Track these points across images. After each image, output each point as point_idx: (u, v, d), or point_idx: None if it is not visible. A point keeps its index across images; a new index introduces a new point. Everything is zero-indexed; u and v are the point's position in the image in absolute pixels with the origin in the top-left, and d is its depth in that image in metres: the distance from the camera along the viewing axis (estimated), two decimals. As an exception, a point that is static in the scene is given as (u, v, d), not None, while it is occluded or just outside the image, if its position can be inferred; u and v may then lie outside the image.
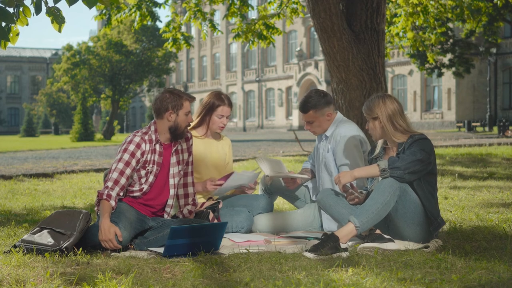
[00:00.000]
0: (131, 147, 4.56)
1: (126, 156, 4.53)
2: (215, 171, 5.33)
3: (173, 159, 4.71)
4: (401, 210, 4.36)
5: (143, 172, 4.61)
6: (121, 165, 4.51)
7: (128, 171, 4.52)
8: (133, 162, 4.54)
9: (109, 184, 4.46)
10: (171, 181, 4.71)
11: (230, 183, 5.12)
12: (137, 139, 4.59)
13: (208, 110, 5.25)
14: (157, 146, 4.64)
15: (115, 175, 4.49)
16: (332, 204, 4.61)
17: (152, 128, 4.65)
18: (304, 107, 5.13)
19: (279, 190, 5.50)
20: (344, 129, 5.10)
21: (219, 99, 5.25)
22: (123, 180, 4.50)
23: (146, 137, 4.61)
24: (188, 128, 4.92)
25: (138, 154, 4.56)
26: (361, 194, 4.53)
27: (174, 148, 4.71)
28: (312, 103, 5.10)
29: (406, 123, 4.52)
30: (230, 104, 5.29)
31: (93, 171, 12.81)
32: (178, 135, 4.66)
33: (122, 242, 4.29)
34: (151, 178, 4.63)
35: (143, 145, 4.59)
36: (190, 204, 4.88)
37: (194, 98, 4.74)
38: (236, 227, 5.02)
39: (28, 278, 3.50)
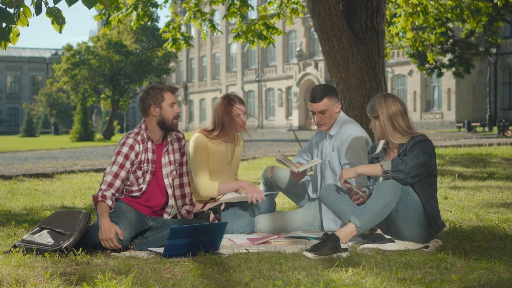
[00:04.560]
0: (125, 149, 4.56)
1: (120, 159, 4.53)
2: (234, 172, 5.37)
3: (165, 159, 4.72)
4: (402, 211, 4.36)
5: (139, 173, 4.61)
6: (115, 168, 4.51)
7: (122, 173, 4.52)
8: (128, 164, 4.54)
9: (103, 186, 4.47)
10: (166, 181, 4.72)
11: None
12: (130, 141, 4.59)
13: (226, 116, 5.15)
14: (149, 143, 4.64)
15: (109, 178, 4.49)
16: (335, 201, 4.58)
17: (143, 126, 4.67)
18: (320, 94, 5.11)
19: (279, 183, 5.47)
20: (350, 129, 5.10)
21: (231, 100, 5.15)
22: (117, 183, 4.50)
23: (139, 138, 4.62)
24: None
25: (132, 155, 4.57)
26: (365, 194, 4.52)
27: (165, 148, 4.72)
28: (325, 90, 5.12)
29: (407, 124, 4.49)
30: (242, 102, 5.21)
31: (93, 171, 12.82)
32: (168, 127, 4.66)
33: (122, 242, 4.29)
34: (148, 177, 4.64)
35: (136, 146, 4.59)
36: (188, 204, 4.88)
37: (176, 88, 4.73)
38: (237, 232, 5.02)
39: (28, 278, 3.50)
